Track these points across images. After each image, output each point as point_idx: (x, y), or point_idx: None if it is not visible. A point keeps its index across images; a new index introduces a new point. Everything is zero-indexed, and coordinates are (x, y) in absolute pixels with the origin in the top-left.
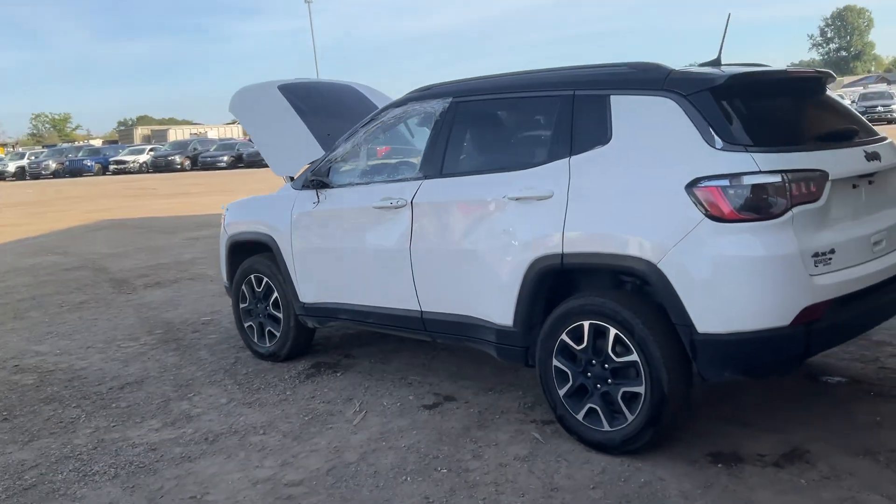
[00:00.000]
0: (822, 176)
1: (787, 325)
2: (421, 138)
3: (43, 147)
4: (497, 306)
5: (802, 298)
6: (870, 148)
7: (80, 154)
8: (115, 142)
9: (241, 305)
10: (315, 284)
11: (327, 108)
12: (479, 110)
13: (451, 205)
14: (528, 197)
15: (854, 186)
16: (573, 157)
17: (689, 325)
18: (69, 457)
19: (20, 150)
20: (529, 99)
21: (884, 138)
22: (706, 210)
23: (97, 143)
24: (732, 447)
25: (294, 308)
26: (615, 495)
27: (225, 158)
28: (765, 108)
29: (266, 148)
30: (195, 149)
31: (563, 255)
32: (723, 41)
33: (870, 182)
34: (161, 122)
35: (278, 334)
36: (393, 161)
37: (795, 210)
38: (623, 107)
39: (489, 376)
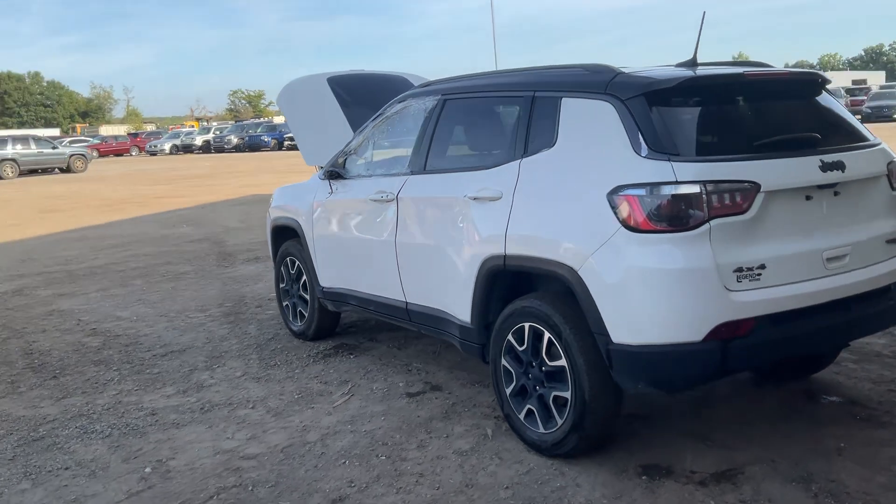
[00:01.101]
0: (752, 187)
1: (700, 341)
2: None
3: (236, 121)
4: (458, 302)
5: (718, 314)
6: (830, 157)
7: (259, 130)
8: None
9: (280, 285)
10: (329, 270)
11: (373, 100)
12: (459, 108)
13: (427, 201)
14: (482, 197)
15: (808, 198)
16: (524, 160)
17: (605, 334)
18: (83, 415)
19: (209, 125)
20: (499, 99)
21: (871, 144)
22: (623, 219)
23: (281, 119)
24: (672, 461)
25: (316, 291)
26: (523, 497)
27: None
28: (709, 114)
29: (302, 138)
30: None
31: (505, 257)
32: (698, 40)
33: (835, 193)
34: None
35: (306, 315)
36: (393, 155)
37: (714, 223)
38: (569, 110)
39: (486, 369)
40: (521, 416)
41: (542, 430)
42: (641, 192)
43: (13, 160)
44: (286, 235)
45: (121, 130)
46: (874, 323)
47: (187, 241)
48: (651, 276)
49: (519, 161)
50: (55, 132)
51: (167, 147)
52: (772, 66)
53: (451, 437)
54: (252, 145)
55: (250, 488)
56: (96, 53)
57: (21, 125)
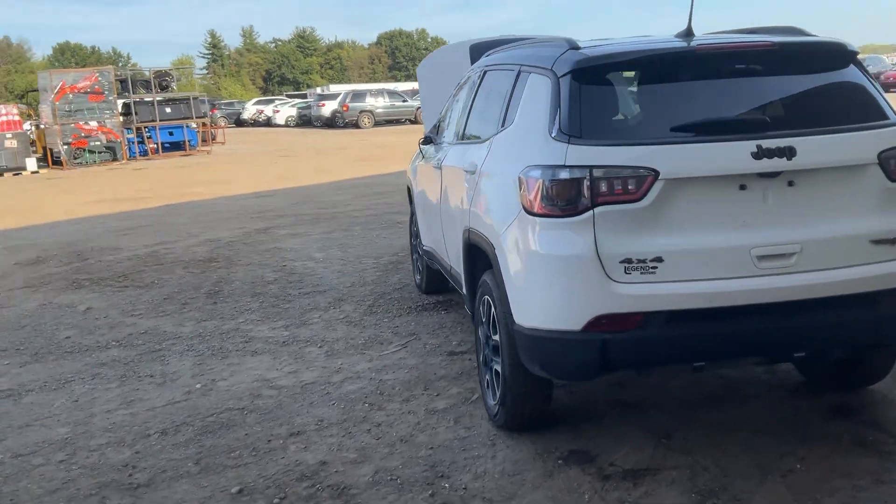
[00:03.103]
0: (648, 174)
1: (578, 331)
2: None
3: None
4: (461, 272)
5: (598, 306)
6: (774, 143)
7: None
8: None
9: (413, 242)
10: (423, 230)
11: None
12: (489, 80)
13: (450, 170)
14: (468, 170)
15: (742, 188)
16: (496, 135)
17: (510, 313)
18: (201, 336)
19: None
20: (504, 73)
21: (858, 129)
22: (522, 201)
23: None
24: (603, 452)
25: (419, 248)
26: (436, 458)
27: None
28: (640, 93)
29: (426, 105)
30: None
31: (468, 230)
32: (691, 10)
33: (789, 184)
34: None
35: (421, 269)
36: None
37: (599, 210)
38: (530, 86)
39: None
40: (484, 386)
41: (490, 400)
42: (537, 174)
43: (370, 111)
44: (409, 195)
45: None
46: (842, 334)
47: None
48: (537, 261)
49: (493, 136)
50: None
51: None
52: (763, 36)
53: (441, 396)
54: None
55: (246, 413)
56: (476, 11)
57: (407, 78)
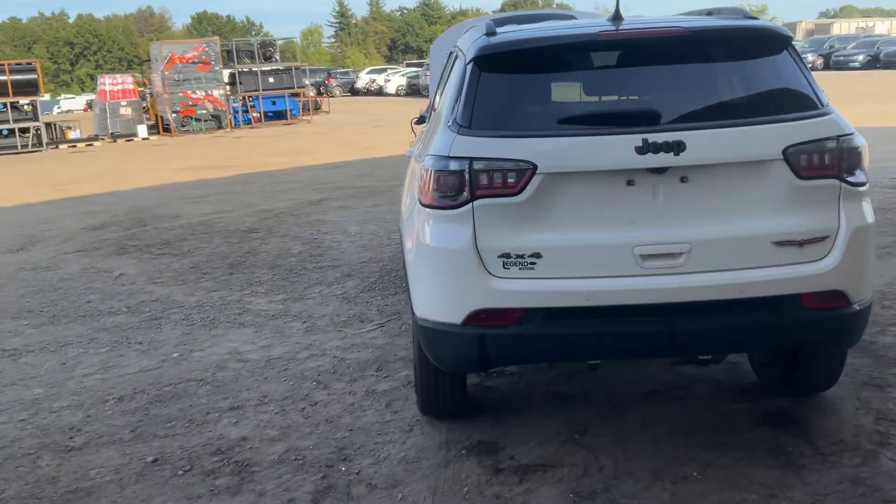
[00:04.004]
0: (527, 167)
1: (459, 324)
2: None
3: None
4: None
5: (477, 300)
6: (662, 136)
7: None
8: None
9: None
10: None
11: None
12: (449, 63)
13: (411, 157)
14: (411, 157)
15: (630, 183)
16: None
17: (412, 302)
18: (203, 305)
19: None
20: (453, 55)
21: (761, 122)
22: (417, 191)
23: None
24: (511, 445)
25: None
26: (350, 440)
27: (859, 58)
28: (532, 83)
29: (433, 84)
30: (831, 47)
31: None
32: None
33: (683, 180)
34: (866, 11)
35: None
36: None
37: (478, 203)
38: (453, 72)
39: None
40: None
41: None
42: (428, 164)
43: None
44: None
45: None
46: (739, 339)
47: None
48: (424, 253)
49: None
50: None
51: None
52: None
53: (388, 378)
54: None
55: (201, 385)
56: None
57: None
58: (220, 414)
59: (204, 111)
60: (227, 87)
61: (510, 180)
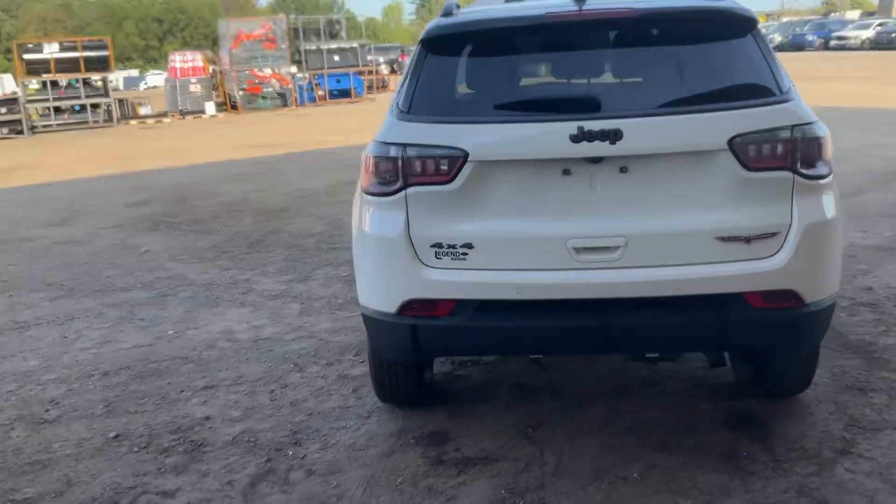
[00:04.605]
0: (458, 155)
1: (394, 314)
2: None
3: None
4: None
5: (409, 289)
6: (599, 124)
7: (806, 28)
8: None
9: None
10: None
11: None
12: None
13: None
14: None
15: (566, 173)
16: None
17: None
18: (211, 284)
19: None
20: None
21: (706, 110)
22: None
23: (854, 14)
24: (460, 436)
25: None
26: (306, 425)
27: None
28: (476, 67)
29: None
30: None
31: None
32: None
33: (622, 170)
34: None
35: None
36: None
37: (411, 191)
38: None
39: None
40: None
41: None
42: (368, 149)
43: None
44: None
45: None
46: (680, 338)
47: None
48: (361, 240)
49: None
50: None
51: None
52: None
53: (364, 363)
54: (795, 45)
55: (185, 363)
56: None
57: None
58: (193, 393)
59: (270, 89)
60: (293, 66)
61: (442, 168)
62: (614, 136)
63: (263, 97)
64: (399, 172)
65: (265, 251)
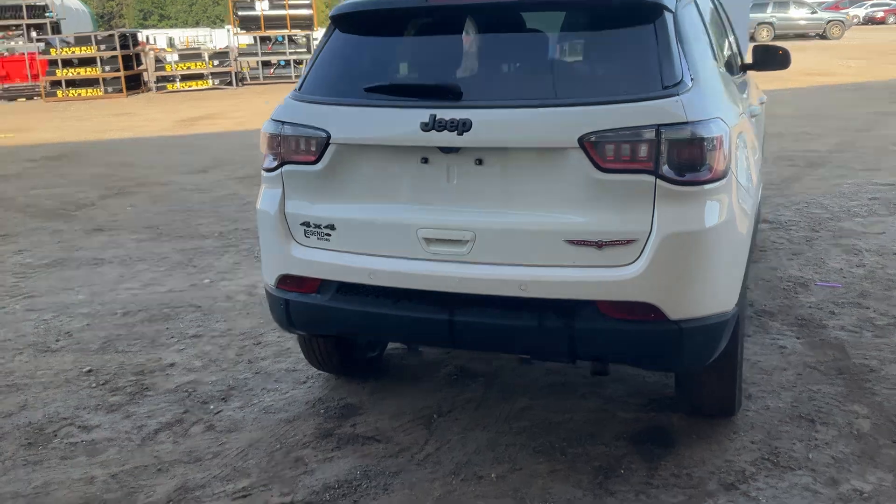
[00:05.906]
0: (322, 135)
1: (274, 287)
2: None
3: None
4: None
5: (282, 265)
6: (450, 113)
7: None
8: None
9: None
10: None
11: None
12: None
13: None
14: None
15: (425, 161)
16: None
17: None
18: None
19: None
20: None
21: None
22: None
23: None
24: (368, 414)
25: None
26: (243, 382)
27: None
28: (365, 49)
29: None
30: None
31: None
32: None
33: (478, 162)
34: None
35: None
36: None
37: (285, 168)
38: None
39: None
40: None
41: None
42: (262, 127)
43: (770, 24)
44: None
45: None
46: (521, 342)
47: None
48: (256, 213)
49: None
50: None
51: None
52: None
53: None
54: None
55: (196, 311)
56: None
57: None
58: (180, 340)
59: None
60: None
61: (311, 148)
62: (462, 126)
63: None
64: (279, 150)
65: None
